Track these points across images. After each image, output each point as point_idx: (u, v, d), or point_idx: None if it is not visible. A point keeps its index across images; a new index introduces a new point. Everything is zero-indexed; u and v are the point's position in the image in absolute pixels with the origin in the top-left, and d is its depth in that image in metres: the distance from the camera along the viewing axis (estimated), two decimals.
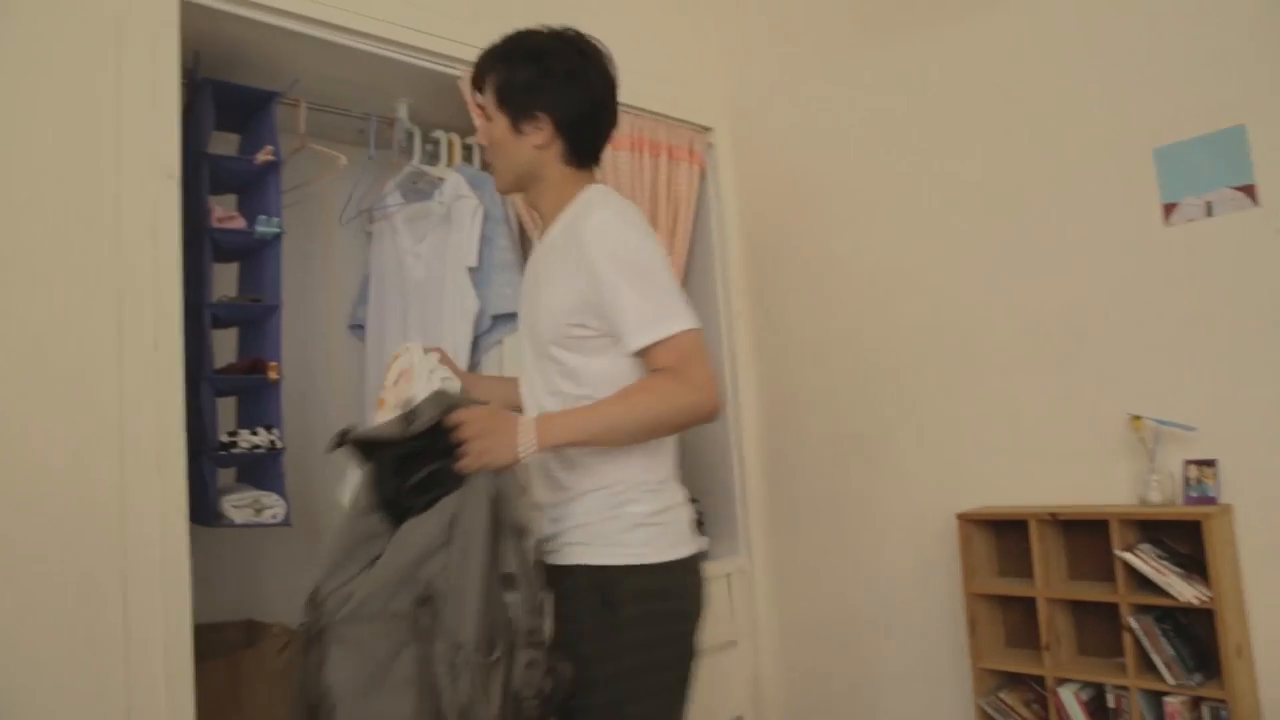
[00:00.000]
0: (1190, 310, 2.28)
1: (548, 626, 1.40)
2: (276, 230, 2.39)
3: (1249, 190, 2.20)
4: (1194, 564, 2.13)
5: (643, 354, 1.45)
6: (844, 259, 2.97)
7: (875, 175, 2.90)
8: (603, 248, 1.45)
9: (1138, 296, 2.36)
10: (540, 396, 1.58)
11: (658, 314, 1.44)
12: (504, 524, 1.37)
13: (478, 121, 1.62)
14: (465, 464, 1.37)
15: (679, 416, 1.45)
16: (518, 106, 1.56)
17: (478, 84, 1.62)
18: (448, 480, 1.38)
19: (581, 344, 1.50)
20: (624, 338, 1.45)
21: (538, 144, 1.57)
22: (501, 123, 1.57)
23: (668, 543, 1.51)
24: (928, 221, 2.77)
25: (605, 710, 1.43)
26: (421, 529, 1.35)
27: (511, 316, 2.51)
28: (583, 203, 1.56)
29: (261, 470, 2.42)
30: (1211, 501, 2.20)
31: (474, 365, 2.63)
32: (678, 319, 1.45)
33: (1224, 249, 2.23)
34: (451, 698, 1.28)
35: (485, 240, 2.63)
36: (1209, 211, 2.26)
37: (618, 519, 1.49)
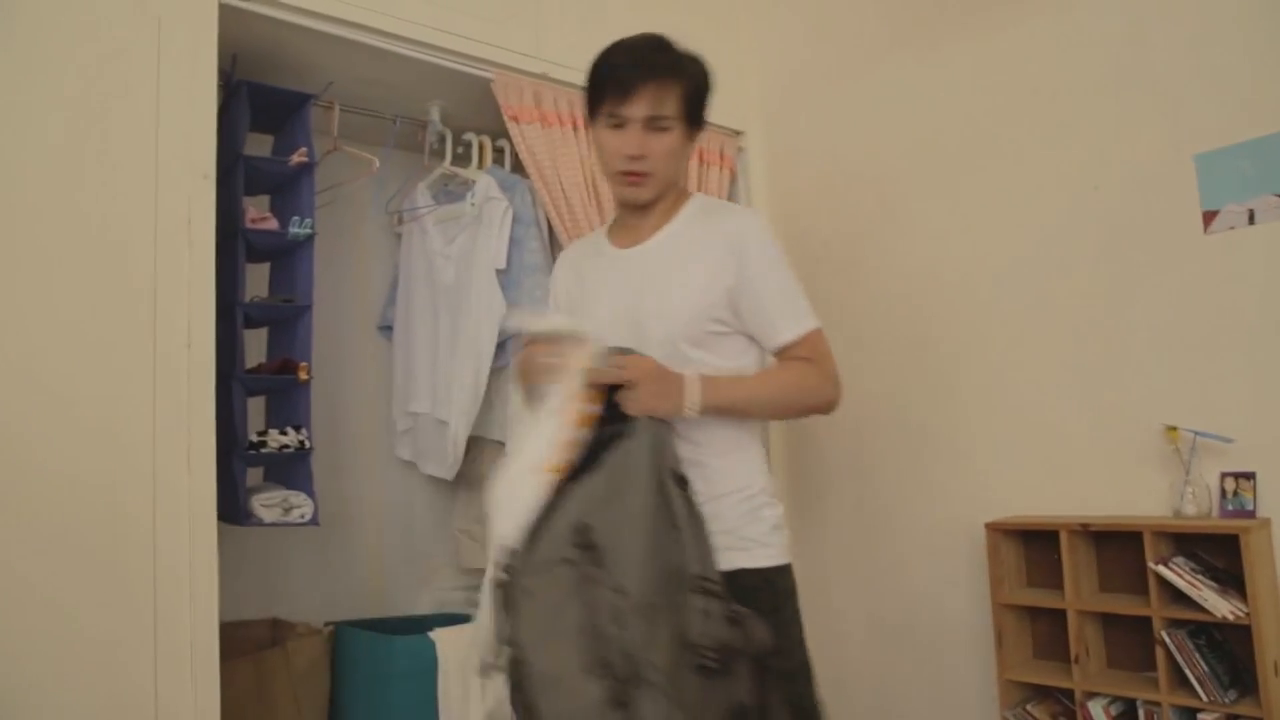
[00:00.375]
0: (1229, 320, 2.24)
1: (714, 570, 1.38)
2: (309, 232, 2.40)
3: None
4: (1230, 578, 2.09)
5: (783, 349, 1.53)
6: (875, 265, 2.95)
7: (908, 181, 2.88)
8: (759, 244, 1.53)
9: (1176, 305, 2.32)
10: None
11: (801, 310, 1.54)
12: (665, 472, 1.38)
13: (632, 136, 1.51)
14: (629, 407, 1.39)
15: (808, 400, 1.56)
16: (699, 113, 1.58)
17: (633, 96, 1.51)
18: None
19: (712, 341, 1.53)
20: (770, 329, 1.53)
21: (693, 148, 1.62)
22: (681, 132, 1.56)
23: (789, 544, 1.57)
24: (961, 228, 2.74)
25: (785, 709, 1.45)
26: (589, 482, 1.37)
27: None
28: (705, 204, 1.62)
29: (290, 470, 2.44)
30: (1250, 515, 2.15)
31: (499, 368, 2.63)
32: (813, 316, 1.55)
33: (1266, 257, 2.19)
34: (618, 644, 1.27)
35: (515, 243, 2.63)
36: (1251, 219, 2.22)
37: (759, 521, 1.53)
